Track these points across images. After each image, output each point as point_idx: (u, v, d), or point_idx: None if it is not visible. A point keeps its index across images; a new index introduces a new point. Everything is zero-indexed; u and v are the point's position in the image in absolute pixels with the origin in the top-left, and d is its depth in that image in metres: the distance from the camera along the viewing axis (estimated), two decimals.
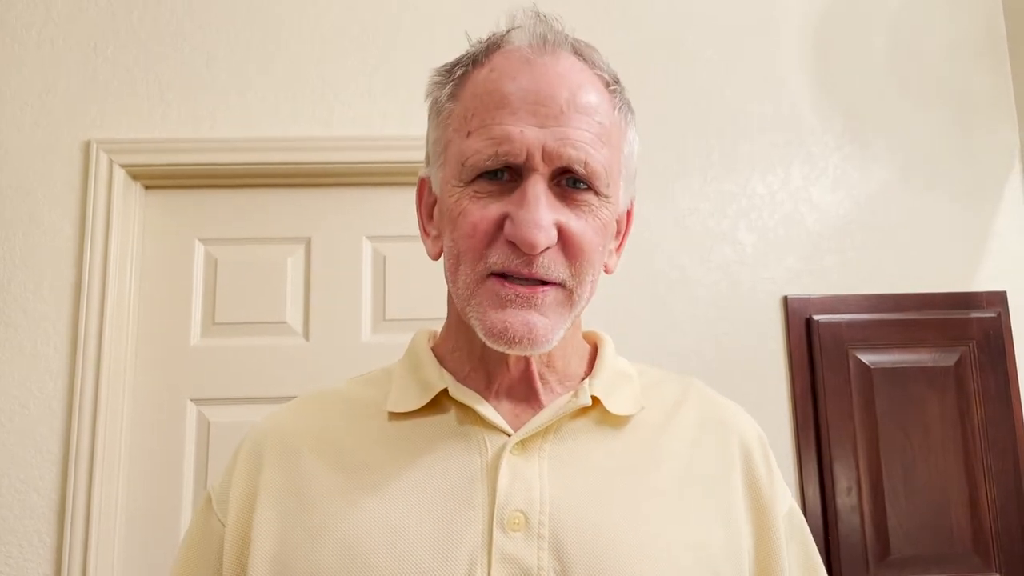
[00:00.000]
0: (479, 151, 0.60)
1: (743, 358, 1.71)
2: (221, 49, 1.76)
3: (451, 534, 0.59)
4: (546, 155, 0.59)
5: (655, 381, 0.73)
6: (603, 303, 1.71)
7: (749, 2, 1.86)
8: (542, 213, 0.58)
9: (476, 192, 0.61)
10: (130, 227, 1.70)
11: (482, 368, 0.67)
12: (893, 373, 1.69)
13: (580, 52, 0.65)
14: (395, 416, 0.66)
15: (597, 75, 0.65)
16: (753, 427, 0.72)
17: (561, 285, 0.61)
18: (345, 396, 0.72)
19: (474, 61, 0.65)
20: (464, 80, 0.65)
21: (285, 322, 1.72)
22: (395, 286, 1.74)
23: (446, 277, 0.65)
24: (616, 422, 0.67)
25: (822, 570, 0.71)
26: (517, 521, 0.59)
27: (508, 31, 0.65)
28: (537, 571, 0.57)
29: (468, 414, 0.65)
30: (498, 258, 0.60)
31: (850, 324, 1.71)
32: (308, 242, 1.75)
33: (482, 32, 0.68)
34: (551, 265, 0.60)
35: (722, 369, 1.70)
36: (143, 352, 1.70)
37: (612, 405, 0.66)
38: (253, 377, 1.69)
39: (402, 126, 1.74)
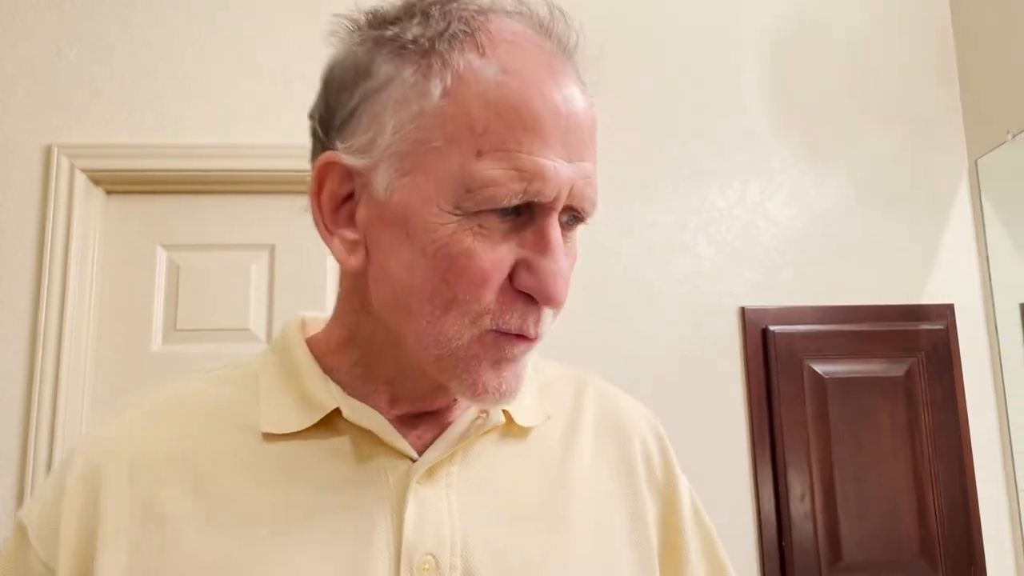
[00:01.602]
0: (499, 183, 0.47)
1: (701, 367, 1.74)
2: (186, 55, 1.76)
3: None
4: (570, 195, 0.50)
5: (550, 380, 0.67)
6: (565, 311, 1.73)
7: (711, 22, 1.90)
8: (564, 262, 0.50)
9: (482, 227, 0.49)
10: (91, 232, 1.69)
11: (388, 389, 0.57)
12: (846, 383, 1.73)
13: (573, 49, 0.54)
14: (271, 437, 0.55)
15: (582, 80, 0.53)
16: (650, 424, 0.69)
17: None
18: (202, 402, 0.58)
19: (454, 37, 0.50)
20: (461, 73, 0.49)
21: (248, 329, 1.72)
22: None
23: (393, 307, 0.53)
24: (521, 433, 0.61)
25: (725, 558, 0.69)
26: (427, 566, 0.52)
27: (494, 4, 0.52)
28: None
29: (365, 436, 0.55)
30: (512, 317, 0.50)
31: (804, 335, 1.75)
32: (272, 249, 1.75)
33: None
34: (549, 317, 0.53)
35: (681, 377, 1.73)
36: (103, 358, 1.68)
37: (519, 416, 0.60)
38: None
39: None
